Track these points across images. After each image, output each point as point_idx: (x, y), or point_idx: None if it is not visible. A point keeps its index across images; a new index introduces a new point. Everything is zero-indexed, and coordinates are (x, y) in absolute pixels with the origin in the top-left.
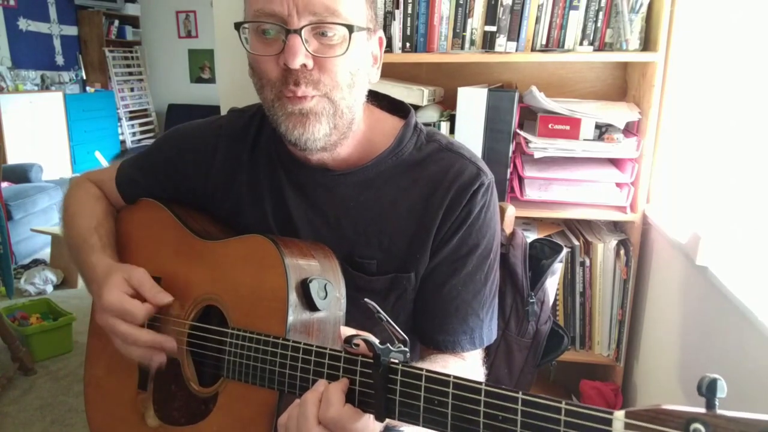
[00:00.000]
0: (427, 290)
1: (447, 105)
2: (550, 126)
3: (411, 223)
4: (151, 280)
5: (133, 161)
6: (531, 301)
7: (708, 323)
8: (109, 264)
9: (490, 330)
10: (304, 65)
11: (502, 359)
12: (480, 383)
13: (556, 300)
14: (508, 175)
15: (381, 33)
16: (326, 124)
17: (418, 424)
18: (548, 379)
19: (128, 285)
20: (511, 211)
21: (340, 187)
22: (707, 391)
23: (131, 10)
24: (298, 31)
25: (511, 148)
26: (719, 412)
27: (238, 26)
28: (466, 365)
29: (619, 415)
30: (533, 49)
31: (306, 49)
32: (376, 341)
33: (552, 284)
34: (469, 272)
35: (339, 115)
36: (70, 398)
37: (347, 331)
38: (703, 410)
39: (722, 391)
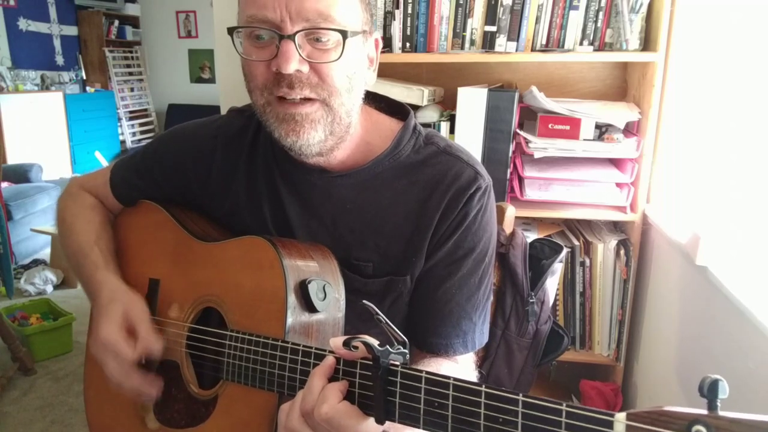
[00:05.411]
0: (421, 293)
1: (447, 105)
2: (550, 126)
3: (407, 226)
4: (150, 320)
5: (127, 163)
6: (531, 301)
7: (708, 323)
8: (114, 287)
9: (482, 334)
10: (299, 70)
11: (502, 359)
12: (480, 385)
13: (556, 300)
14: (508, 175)
15: (377, 35)
16: (321, 131)
17: (418, 426)
18: (548, 379)
19: (127, 320)
20: (511, 211)
21: (337, 189)
22: (709, 392)
23: (131, 10)
24: (291, 37)
25: (511, 148)
26: (721, 413)
27: (231, 31)
28: (459, 368)
29: (620, 417)
30: (533, 49)
31: (300, 54)
32: (375, 343)
33: (552, 284)
34: (463, 275)
35: (337, 121)
36: (70, 398)
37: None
38: (704, 411)
39: (724, 392)
